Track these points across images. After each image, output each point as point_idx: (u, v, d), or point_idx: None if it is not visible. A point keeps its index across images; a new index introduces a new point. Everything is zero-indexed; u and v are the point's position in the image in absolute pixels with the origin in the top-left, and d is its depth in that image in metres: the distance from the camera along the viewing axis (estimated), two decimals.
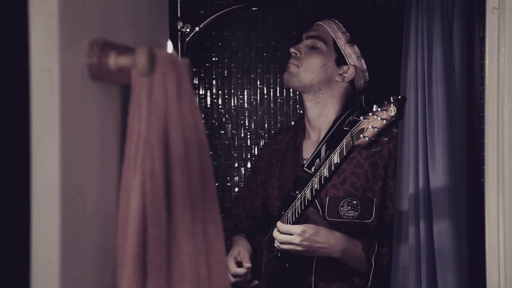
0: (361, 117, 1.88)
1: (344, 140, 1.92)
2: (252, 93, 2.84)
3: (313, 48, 2.34)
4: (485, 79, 1.81)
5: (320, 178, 2.01)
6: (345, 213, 2.21)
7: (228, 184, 2.85)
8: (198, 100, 2.84)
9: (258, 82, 2.84)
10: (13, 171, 1.02)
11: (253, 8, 2.51)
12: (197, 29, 2.45)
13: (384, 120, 1.82)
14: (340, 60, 2.33)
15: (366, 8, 2.77)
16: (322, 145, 2.29)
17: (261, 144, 2.84)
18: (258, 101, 2.84)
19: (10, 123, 1.02)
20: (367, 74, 2.36)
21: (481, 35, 2.07)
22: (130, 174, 1.07)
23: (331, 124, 2.33)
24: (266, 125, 2.84)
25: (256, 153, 2.85)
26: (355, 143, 1.87)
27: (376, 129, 1.83)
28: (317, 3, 2.79)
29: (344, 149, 1.92)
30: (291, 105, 2.83)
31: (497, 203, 1.77)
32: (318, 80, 2.31)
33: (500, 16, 1.75)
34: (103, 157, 1.09)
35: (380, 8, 2.77)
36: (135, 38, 1.19)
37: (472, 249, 2.06)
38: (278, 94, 2.84)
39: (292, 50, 2.36)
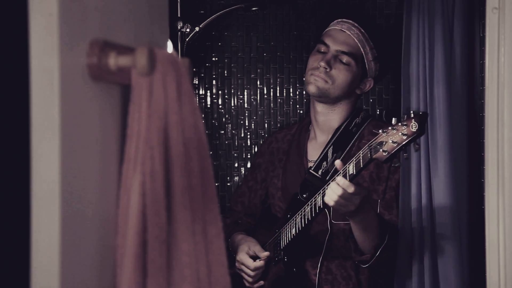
0: (380, 130, 1.84)
1: (361, 152, 1.88)
2: (252, 93, 2.85)
3: (342, 62, 2.29)
4: (485, 79, 1.81)
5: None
6: None
7: (228, 184, 2.85)
8: (198, 100, 2.84)
9: (258, 82, 2.84)
10: (13, 171, 1.02)
11: (253, 8, 2.50)
12: (197, 29, 2.45)
13: (405, 136, 1.78)
14: (363, 75, 2.34)
15: (366, 8, 2.77)
16: (329, 148, 2.27)
17: None
18: (258, 101, 2.84)
19: (10, 123, 1.02)
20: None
21: (481, 35, 2.07)
22: (130, 174, 1.07)
23: (338, 126, 2.33)
24: (266, 125, 2.84)
25: None
26: (373, 156, 1.83)
27: (396, 144, 1.79)
28: (317, 3, 2.79)
29: (361, 160, 1.87)
30: (291, 105, 2.83)
31: (497, 203, 1.77)
32: (343, 94, 2.31)
33: (500, 16, 1.75)
34: (103, 157, 1.09)
35: (380, 8, 2.77)
36: (135, 38, 1.19)
37: (472, 246, 2.06)
38: (278, 94, 2.84)
39: (323, 64, 2.26)
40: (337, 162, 1.97)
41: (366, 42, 2.32)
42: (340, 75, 2.28)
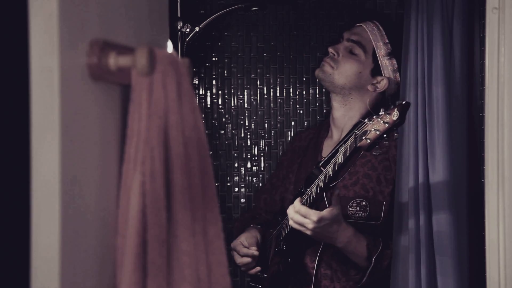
0: (366, 120, 1.89)
1: (349, 141, 1.94)
2: (252, 93, 2.84)
3: (352, 53, 2.34)
4: (485, 79, 1.81)
5: (325, 177, 2.01)
6: (353, 213, 2.22)
7: (228, 184, 2.85)
8: (198, 100, 2.84)
9: (258, 82, 2.84)
10: (13, 171, 1.02)
11: (253, 8, 2.50)
12: (197, 29, 2.45)
13: (386, 124, 1.82)
14: (376, 71, 2.34)
15: (366, 8, 2.77)
16: (341, 145, 2.28)
17: (261, 144, 2.84)
18: (258, 101, 2.84)
19: (10, 123, 1.02)
20: (398, 86, 2.34)
21: (481, 35, 2.07)
22: (130, 174, 1.07)
23: (353, 124, 2.33)
24: (266, 125, 2.84)
25: (256, 153, 2.85)
26: (358, 145, 1.88)
27: (378, 132, 1.84)
28: (317, 3, 2.79)
29: (348, 149, 1.93)
30: (291, 105, 2.83)
31: (497, 203, 1.77)
32: (350, 86, 2.33)
33: (500, 16, 1.75)
34: (103, 157, 1.09)
35: (380, 8, 2.77)
36: (135, 38, 1.19)
37: (472, 241, 2.06)
38: (278, 94, 2.84)
39: (330, 50, 2.36)
40: (298, 204, 2.07)
41: (380, 37, 2.35)
42: (347, 63, 2.33)
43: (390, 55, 2.33)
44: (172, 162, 1.09)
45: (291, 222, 2.09)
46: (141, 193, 1.05)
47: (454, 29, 2.06)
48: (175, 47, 2.43)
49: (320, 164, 2.28)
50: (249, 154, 2.85)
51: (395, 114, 1.82)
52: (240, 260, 2.32)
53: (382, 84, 2.34)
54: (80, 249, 1.01)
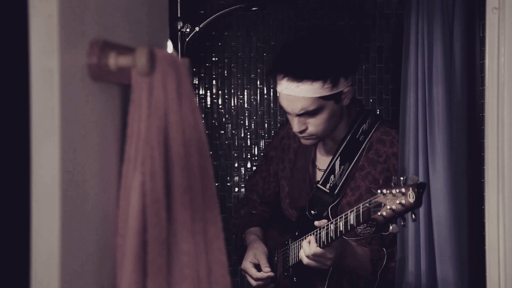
0: (378, 191, 1.83)
1: (361, 207, 1.88)
2: (252, 93, 2.85)
3: (310, 115, 2.11)
4: (485, 79, 1.82)
5: (335, 229, 1.98)
6: (361, 231, 2.19)
7: (228, 184, 2.85)
8: (198, 100, 2.84)
9: (258, 82, 2.84)
10: (13, 171, 1.02)
11: (253, 8, 2.51)
12: (197, 29, 2.45)
13: (402, 206, 1.78)
14: (337, 96, 2.12)
15: (366, 8, 2.77)
16: (336, 159, 2.22)
17: (261, 144, 2.84)
18: (258, 101, 2.84)
19: (10, 123, 1.02)
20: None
21: (481, 35, 2.07)
22: (130, 174, 1.07)
23: (344, 134, 2.23)
24: (266, 125, 2.84)
25: (256, 153, 2.85)
26: (372, 216, 1.85)
27: (393, 212, 1.80)
28: (317, 3, 2.79)
29: (361, 216, 1.89)
30: None
31: (497, 203, 1.77)
32: (335, 124, 2.18)
33: (500, 16, 1.75)
34: (103, 157, 1.09)
35: (380, 8, 2.78)
36: (135, 38, 1.19)
37: (472, 241, 2.06)
38: (278, 94, 2.84)
39: (297, 133, 2.15)
40: (316, 223, 2.05)
41: (320, 85, 2.08)
42: (315, 126, 2.14)
43: (335, 81, 2.10)
44: (172, 162, 1.09)
45: (306, 262, 2.06)
46: (141, 193, 1.05)
47: (454, 29, 2.06)
48: (175, 47, 2.43)
49: (320, 183, 2.23)
50: (249, 154, 2.85)
51: (410, 195, 1.76)
52: (256, 283, 2.28)
53: (348, 92, 2.13)
54: (80, 249, 1.01)
